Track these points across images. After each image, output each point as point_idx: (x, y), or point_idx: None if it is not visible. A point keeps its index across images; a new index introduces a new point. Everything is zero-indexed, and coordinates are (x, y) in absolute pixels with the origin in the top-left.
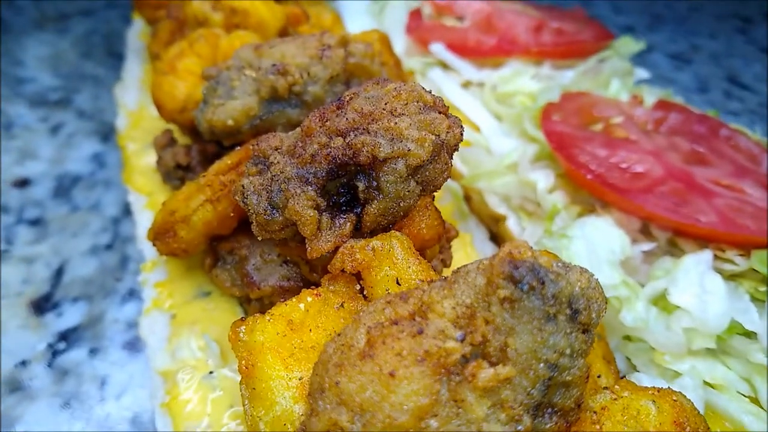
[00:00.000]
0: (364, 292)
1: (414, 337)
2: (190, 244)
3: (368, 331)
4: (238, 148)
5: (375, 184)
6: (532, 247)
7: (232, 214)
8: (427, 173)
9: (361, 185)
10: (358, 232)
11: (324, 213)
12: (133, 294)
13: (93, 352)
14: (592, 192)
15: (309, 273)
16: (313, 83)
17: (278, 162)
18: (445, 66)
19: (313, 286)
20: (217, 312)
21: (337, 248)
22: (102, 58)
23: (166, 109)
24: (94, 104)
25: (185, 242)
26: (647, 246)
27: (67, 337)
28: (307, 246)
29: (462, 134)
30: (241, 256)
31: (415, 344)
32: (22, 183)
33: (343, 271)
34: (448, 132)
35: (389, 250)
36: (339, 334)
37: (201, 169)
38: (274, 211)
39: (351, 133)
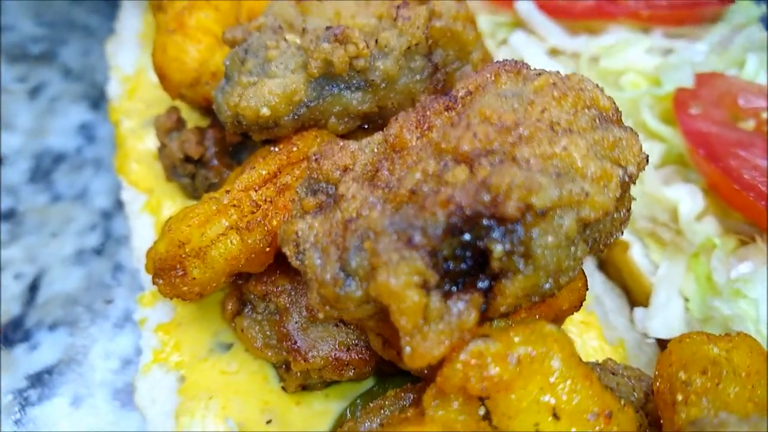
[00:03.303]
0: (491, 420)
1: None
2: (205, 286)
3: None
4: (275, 148)
5: (522, 249)
6: None
7: (267, 249)
8: (601, 227)
9: (498, 249)
10: (482, 314)
11: (433, 292)
12: (128, 319)
13: (75, 403)
14: (758, 221)
15: (382, 347)
16: (384, 56)
17: (354, 196)
18: (525, 27)
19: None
20: (242, 377)
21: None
22: (94, 3)
23: (171, 82)
24: (84, 61)
25: (199, 284)
26: None
27: (42, 380)
28: (403, 345)
29: (648, 161)
30: (279, 306)
31: None
32: None
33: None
34: (636, 160)
35: (542, 361)
36: None
37: (218, 164)
38: (350, 281)
39: (482, 160)
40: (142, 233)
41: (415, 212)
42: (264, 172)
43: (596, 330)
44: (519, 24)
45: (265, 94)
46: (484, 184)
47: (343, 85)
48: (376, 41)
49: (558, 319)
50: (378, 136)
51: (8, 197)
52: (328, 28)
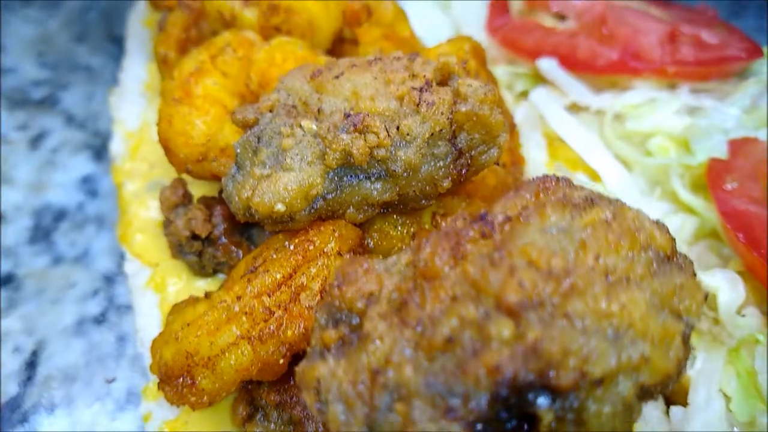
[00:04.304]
0: None
1: None
2: (214, 396)
3: None
4: (290, 245)
5: (573, 416)
6: None
7: (281, 361)
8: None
9: (548, 418)
10: None
11: None
12: (130, 401)
13: None
14: None
15: None
16: (406, 145)
17: (381, 337)
18: (544, 81)
19: None
20: None
21: None
22: (99, 42)
23: (177, 156)
24: (87, 107)
25: (208, 394)
26: None
27: None
28: None
29: (707, 298)
30: (294, 417)
31: None
32: None
33: None
34: (698, 309)
35: None
36: None
37: (227, 242)
38: None
39: (530, 314)
40: (147, 312)
41: (453, 372)
42: (278, 276)
43: None
44: (538, 77)
45: (280, 189)
46: (534, 349)
47: (362, 175)
48: (398, 128)
49: None
50: (406, 257)
51: (7, 260)
52: (347, 116)
